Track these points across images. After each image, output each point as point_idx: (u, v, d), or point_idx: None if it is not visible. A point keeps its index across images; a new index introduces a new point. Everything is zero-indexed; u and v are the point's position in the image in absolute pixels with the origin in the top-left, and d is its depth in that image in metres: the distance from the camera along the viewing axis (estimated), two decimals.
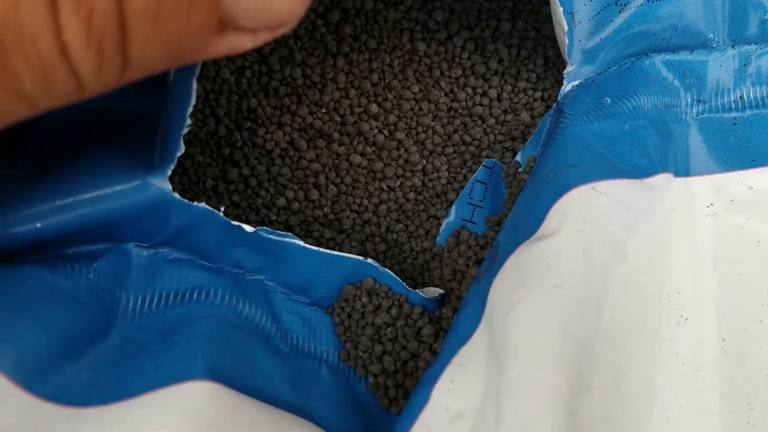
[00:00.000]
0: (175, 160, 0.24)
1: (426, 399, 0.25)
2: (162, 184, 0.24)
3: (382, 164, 0.34)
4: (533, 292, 0.23)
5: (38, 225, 0.23)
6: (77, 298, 0.23)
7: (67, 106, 0.25)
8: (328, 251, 0.28)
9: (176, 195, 0.25)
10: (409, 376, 0.30)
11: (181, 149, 0.24)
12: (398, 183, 0.35)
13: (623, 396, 0.24)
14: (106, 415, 0.21)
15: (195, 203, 0.25)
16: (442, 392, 0.25)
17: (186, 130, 0.23)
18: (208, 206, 0.25)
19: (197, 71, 0.23)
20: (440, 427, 0.24)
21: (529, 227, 0.27)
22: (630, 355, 0.25)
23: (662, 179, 0.30)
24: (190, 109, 0.23)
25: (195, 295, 0.25)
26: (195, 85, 0.23)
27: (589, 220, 0.26)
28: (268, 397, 0.24)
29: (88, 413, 0.21)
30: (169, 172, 0.24)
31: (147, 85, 0.26)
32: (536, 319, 0.22)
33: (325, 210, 0.34)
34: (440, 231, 0.34)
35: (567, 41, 0.30)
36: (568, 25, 0.30)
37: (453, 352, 0.26)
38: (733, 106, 0.30)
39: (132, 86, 0.25)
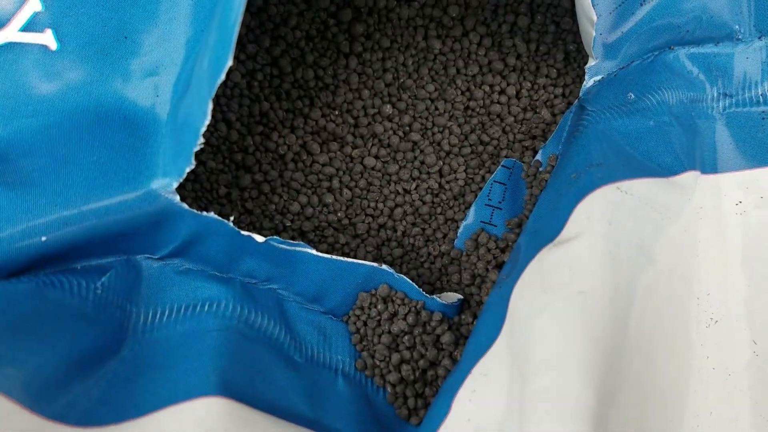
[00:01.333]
0: (185, 175, 0.23)
1: (447, 410, 0.24)
2: (169, 194, 0.24)
3: (397, 167, 0.34)
4: (557, 299, 0.22)
5: (43, 238, 0.23)
6: (85, 315, 0.22)
7: (72, 108, 0.25)
8: (341, 258, 0.27)
9: (184, 205, 0.24)
10: (429, 385, 0.29)
11: (192, 165, 0.23)
12: (414, 185, 0.34)
13: (654, 404, 0.23)
14: None
15: (204, 213, 0.25)
16: (463, 403, 0.24)
17: (198, 148, 0.23)
18: (216, 216, 0.25)
19: (213, 92, 0.22)
20: None
21: (551, 230, 0.26)
22: (659, 362, 0.24)
23: (689, 177, 0.28)
24: (203, 129, 0.23)
25: (206, 307, 0.25)
26: (211, 105, 0.22)
27: (615, 221, 0.25)
28: (283, 411, 0.23)
29: None
30: (176, 185, 0.23)
31: (153, 90, 0.25)
32: (560, 329, 0.21)
33: (339, 215, 0.33)
34: (458, 234, 0.33)
35: (594, 33, 0.29)
36: (597, 17, 0.29)
37: (474, 361, 0.25)
38: (762, 99, 0.29)
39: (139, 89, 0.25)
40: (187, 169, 0.23)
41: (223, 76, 0.22)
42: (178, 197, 0.24)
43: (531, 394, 0.20)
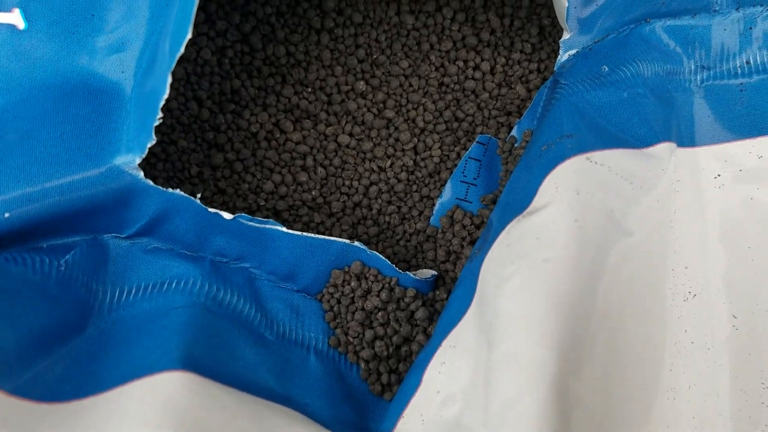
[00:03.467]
0: (147, 151, 0.23)
1: (417, 383, 0.24)
2: (133, 170, 0.23)
3: (371, 144, 0.33)
4: (522, 267, 0.22)
5: (6, 215, 0.22)
6: (48, 292, 0.22)
7: (39, 85, 0.24)
8: (313, 235, 0.27)
9: (149, 182, 0.24)
10: (403, 361, 0.29)
11: (153, 140, 0.23)
12: (389, 163, 0.33)
13: (622, 373, 0.23)
14: (79, 411, 0.20)
15: (169, 190, 0.24)
16: (433, 376, 0.24)
17: (159, 122, 0.23)
18: (183, 193, 0.24)
19: (173, 65, 0.22)
20: (431, 411, 0.23)
21: (521, 202, 0.26)
22: (630, 331, 0.24)
23: (664, 148, 0.28)
24: (162, 102, 0.22)
25: (174, 285, 0.25)
26: (170, 79, 0.22)
27: (583, 191, 0.25)
28: (250, 386, 0.23)
29: (61, 409, 0.20)
30: (139, 161, 0.23)
31: (118, 61, 0.25)
32: (525, 296, 0.21)
33: (314, 193, 0.33)
34: (434, 211, 0.33)
35: (566, 4, 0.29)
36: None
37: (445, 334, 0.25)
38: (740, 71, 0.28)
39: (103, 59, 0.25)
40: (149, 144, 0.23)
41: (182, 50, 0.22)
42: (142, 173, 0.24)
43: (495, 359, 0.20)
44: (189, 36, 0.21)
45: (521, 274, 0.22)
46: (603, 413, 0.22)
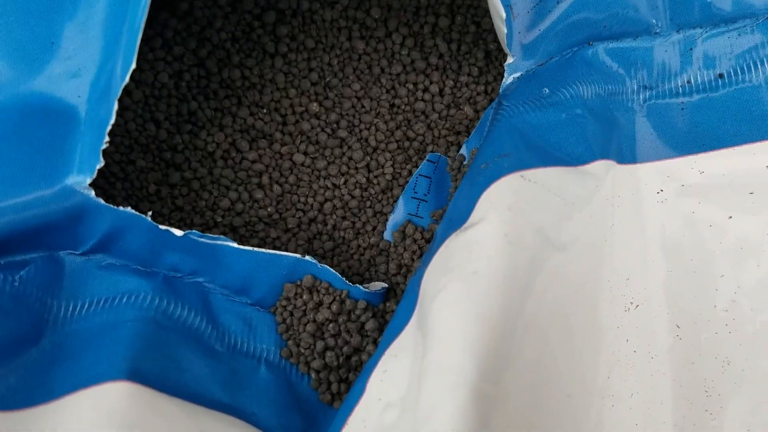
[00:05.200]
0: (95, 173, 0.24)
1: (362, 391, 0.25)
2: (85, 190, 0.25)
3: (325, 162, 0.35)
4: (453, 279, 0.23)
5: None
6: (2, 306, 0.23)
7: None
8: (264, 250, 0.28)
9: (101, 200, 0.25)
10: (353, 371, 0.30)
11: (101, 162, 0.24)
12: (342, 180, 0.35)
13: (549, 380, 0.24)
14: (30, 418, 0.21)
15: (120, 208, 0.25)
16: (376, 384, 0.25)
17: (105, 146, 0.24)
18: (133, 210, 0.25)
19: (119, 92, 0.23)
20: (373, 418, 0.24)
21: (461, 217, 0.27)
22: (559, 342, 0.25)
23: (600, 166, 0.29)
24: (109, 128, 0.24)
25: (125, 299, 0.26)
26: (116, 105, 0.23)
27: (515, 207, 0.26)
28: (196, 397, 0.24)
29: (13, 417, 0.21)
30: (89, 181, 0.24)
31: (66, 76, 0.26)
32: (453, 306, 0.22)
33: (270, 210, 0.34)
34: (387, 226, 0.35)
35: (506, 30, 0.30)
36: (506, 14, 0.29)
37: (388, 344, 0.26)
38: (681, 90, 0.29)
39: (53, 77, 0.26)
40: (98, 167, 0.24)
41: (128, 78, 0.23)
42: (93, 192, 0.25)
43: (424, 366, 0.21)
44: (133, 66, 0.22)
45: (451, 286, 0.23)
46: (529, 417, 0.23)
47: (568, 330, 0.26)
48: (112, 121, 0.23)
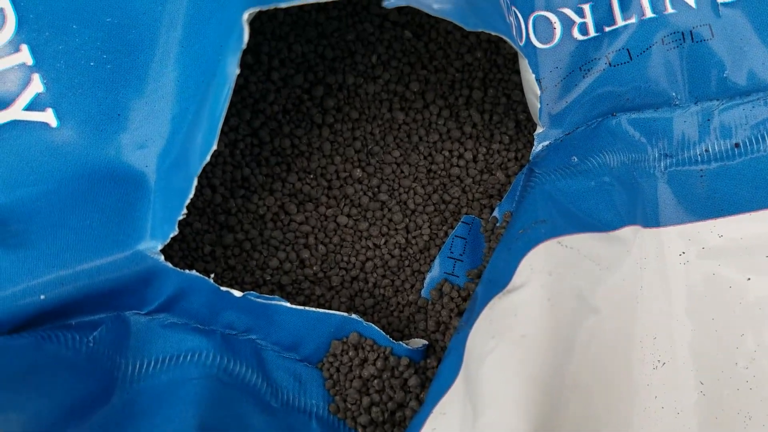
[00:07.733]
0: (169, 239, 0.26)
1: None
2: (155, 255, 0.26)
3: (367, 224, 0.37)
4: (502, 342, 0.25)
5: (42, 297, 0.25)
6: (78, 366, 0.25)
7: (69, 177, 0.27)
8: (314, 309, 0.30)
9: (169, 264, 0.27)
10: (397, 426, 0.31)
11: (175, 231, 0.26)
12: (383, 241, 0.37)
13: None
14: None
15: (186, 271, 0.27)
16: None
17: (182, 217, 0.26)
18: (198, 273, 0.27)
19: (199, 170, 0.25)
20: None
21: (502, 280, 0.29)
22: (599, 402, 0.26)
23: (629, 231, 0.31)
24: (187, 202, 0.25)
25: (189, 357, 0.27)
26: (195, 182, 0.25)
27: (555, 272, 0.28)
28: None
29: None
30: (161, 246, 0.26)
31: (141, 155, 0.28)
32: (504, 369, 0.23)
33: (315, 269, 0.36)
34: (424, 285, 0.36)
35: (539, 105, 0.32)
36: (540, 90, 0.32)
37: (435, 402, 0.27)
38: (700, 158, 0.31)
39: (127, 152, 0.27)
40: (171, 234, 0.26)
41: (208, 158, 0.25)
42: (162, 257, 0.27)
43: (478, 427, 0.23)
44: (214, 148, 0.24)
45: (501, 349, 0.24)
46: None
47: (607, 387, 0.27)
48: (191, 195, 0.25)
